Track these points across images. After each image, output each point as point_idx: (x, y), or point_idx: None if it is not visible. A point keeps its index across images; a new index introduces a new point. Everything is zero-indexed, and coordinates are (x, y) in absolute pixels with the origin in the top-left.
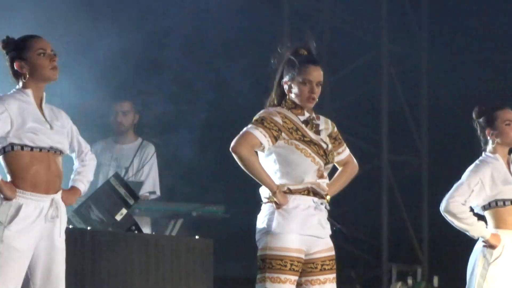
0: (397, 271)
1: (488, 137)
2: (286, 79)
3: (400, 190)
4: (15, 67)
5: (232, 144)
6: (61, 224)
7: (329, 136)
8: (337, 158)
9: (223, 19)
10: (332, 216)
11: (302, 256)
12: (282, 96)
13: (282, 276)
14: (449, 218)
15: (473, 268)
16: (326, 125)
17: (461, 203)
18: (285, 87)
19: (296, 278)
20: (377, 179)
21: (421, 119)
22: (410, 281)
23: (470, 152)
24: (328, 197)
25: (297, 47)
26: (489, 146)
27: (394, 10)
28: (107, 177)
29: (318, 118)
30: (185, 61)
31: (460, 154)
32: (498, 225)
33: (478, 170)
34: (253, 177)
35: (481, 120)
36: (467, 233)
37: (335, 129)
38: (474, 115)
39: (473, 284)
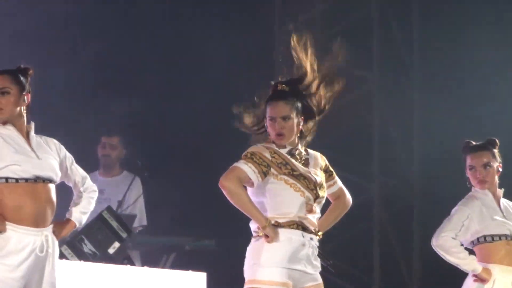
0: None
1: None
2: (265, 119)
3: (391, 221)
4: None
5: (221, 178)
6: (53, 258)
7: (320, 169)
8: (329, 191)
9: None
10: (323, 251)
11: None
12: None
13: None
14: (441, 252)
15: None
16: (315, 159)
17: (452, 237)
18: (265, 125)
19: None
20: (369, 211)
21: (412, 150)
22: None
23: (461, 186)
24: (320, 233)
25: (277, 83)
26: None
27: (386, 46)
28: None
29: (307, 152)
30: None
31: (452, 188)
32: (487, 260)
33: (467, 205)
34: (242, 211)
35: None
36: (459, 267)
37: (326, 162)
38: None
39: None
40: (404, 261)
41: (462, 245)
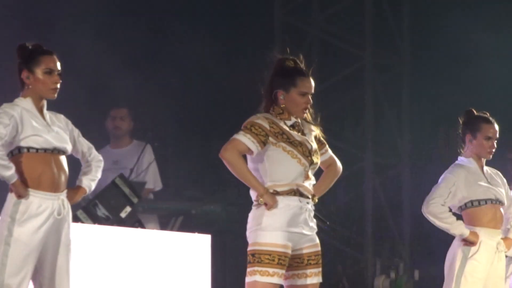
0: (381, 265)
1: (467, 141)
2: (280, 89)
3: (383, 190)
4: (21, 76)
5: (221, 150)
6: (69, 221)
7: (314, 138)
8: (321, 159)
9: (214, 30)
10: (320, 214)
11: (289, 251)
12: (270, 104)
13: (271, 270)
14: (430, 218)
15: (451, 263)
16: (309, 129)
17: (441, 204)
18: (280, 97)
19: (283, 272)
20: (362, 180)
21: (403, 124)
22: (392, 275)
23: (449, 154)
24: (315, 199)
25: (285, 58)
26: (465, 150)
27: (378, 24)
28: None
29: (301, 122)
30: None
31: (439, 157)
32: (474, 224)
33: (453, 173)
34: (241, 180)
35: (466, 123)
36: (448, 231)
37: (318, 131)
38: (463, 116)
39: (452, 278)
40: (395, 224)
41: (450, 210)
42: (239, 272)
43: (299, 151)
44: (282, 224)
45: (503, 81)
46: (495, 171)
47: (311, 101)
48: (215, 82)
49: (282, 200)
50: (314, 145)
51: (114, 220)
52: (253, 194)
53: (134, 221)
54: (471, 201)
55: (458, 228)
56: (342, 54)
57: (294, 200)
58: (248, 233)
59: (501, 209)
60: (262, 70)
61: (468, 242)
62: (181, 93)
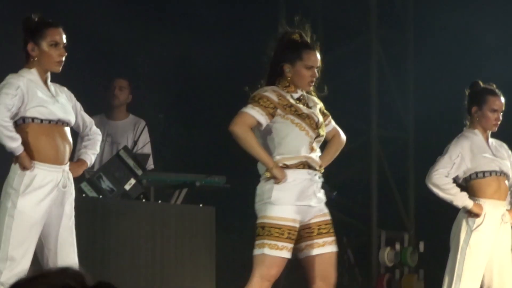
0: (386, 237)
1: (472, 113)
2: (286, 63)
3: (389, 162)
4: (27, 48)
5: (230, 124)
6: (72, 193)
7: (319, 110)
8: (326, 130)
9: (218, 6)
10: (327, 184)
11: (297, 225)
12: (276, 77)
13: (280, 244)
14: (434, 189)
15: (456, 235)
16: (314, 102)
17: (445, 175)
18: (286, 70)
19: (292, 246)
20: (367, 153)
21: (408, 98)
22: (398, 247)
23: (454, 128)
24: (321, 169)
25: (291, 32)
26: (471, 121)
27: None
28: (102, 151)
29: (307, 96)
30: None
31: (444, 129)
32: (478, 195)
33: (458, 144)
34: (251, 154)
35: (473, 95)
36: (452, 203)
37: (322, 104)
38: (469, 87)
39: (456, 250)
40: (400, 196)
41: (455, 182)
42: (243, 244)
43: (307, 124)
44: (291, 198)
45: (509, 53)
46: (500, 143)
47: (317, 74)
48: (221, 55)
49: (291, 174)
50: (321, 118)
51: (118, 192)
52: (261, 167)
53: (138, 193)
54: (476, 173)
55: (461, 200)
56: (347, 29)
57: (303, 173)
58: (257, 206)
59: (506, 182)
60: (267, 46)
61: (473, 214)
62: (186, 64)
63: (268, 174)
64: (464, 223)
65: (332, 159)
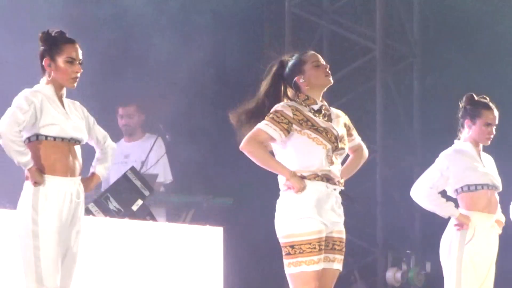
0: (392, 257)
1: (466, 126)
2: (296, 75)
3: (395, 182)
4: (43, 63)
5: (242, 142)
6: (83, 207)
7: (343, 125)
8: (349, 145)
9: (225, 22)
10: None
11: (324, 235)
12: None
13: (316, 258)
14: (418, 201)
15: (449, 251)
16: (337, 115)
17: (429, 187)
18: (301, 81)
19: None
20: (373, 172)
21: (415, 116)
22: (404, 267)
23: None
24: (342, 181)
25: (282, 59)
26: (463, 134)
27: (388, 15)
28: (120, 174)
29: (329, 109)
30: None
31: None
32: (469, 208)
33: (448, 156)
34: (267, 168)
35: (466, 108)
36: (437, 213)
37: (346, 118)
38: (463, 100)
39: (452, 266)
40: (406, 216)
41: (444, 194)
42: (251, 264)
43: (324, 137)
44: (312, 210)
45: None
46: (488, 156)
47: (327, 65)
48: (227, 74)
49: (309, 185)
50: (341, 131)
51: (125, 213)
52: (281, 179)
53: (145, 214)
54: (468, 186)
55: (447, 209)
56: (353, 45)
57: (321, 186)
58: (277, 221)
59: (496, 195)
60: (274, 64)
61: (460, 225)
62: (193, 86)
63: (287, 185)
64: (455, 238)
65: (352, 173)
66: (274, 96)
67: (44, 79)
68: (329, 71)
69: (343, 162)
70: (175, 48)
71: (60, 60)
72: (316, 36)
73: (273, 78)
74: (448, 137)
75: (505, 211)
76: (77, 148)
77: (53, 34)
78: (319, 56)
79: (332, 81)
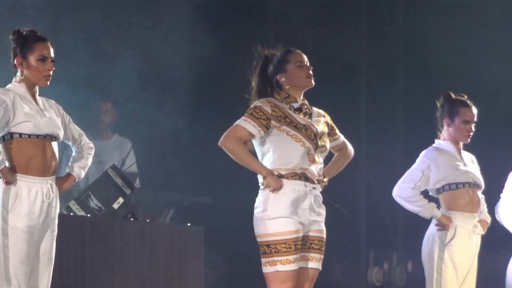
0: (374, 256)
1: (444, 125)
2: (279, 73)
3: (377, 181)
4: (15, 61)
5: (221, 138)
6: (56, 207)
7: (323, 123)
8: (333, 144)
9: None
10: (329, 196)
11: (301, 234)
12: (273, 90)
13: (291, 257)
14: (400, 202)
15: (429, 251)
16: (318, 114)
17: (411, 188)
18: (282, 80)
19: (299, 255)
20: (356, 171)
21: (396, 116)
22: (386, 266)
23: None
24: (325, 180)
25: (266, 54)
26: (443, 133)
27: (372, 14)
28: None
29: (311, 108)
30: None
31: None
32: (451, 207)
33: (428, 156)
34: (244, 165)
35: (444, 107)
36: (419, 214)
37: (328, 117)
38: (440, 99)
39: (431, 266)
40: (388, 215)
41: (426, 194)
42: (232, 263)
43: (303, 135)
44: (289, 210)
45: (498, 74)
46: (469, 154)
47: (310, 67)
48: (210, 73)
49: (287, 184)
50: (321, 129)
51: (106, 211)
52: (260, 177)
53: (127, 212)
54: (449, 184)
55: (428, 210)
56: (336, 44)
57: (299, 185)
58: (255, 220)
59: (478, 193)
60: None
61: (441, 226)
62: (175, 85)
63: (264, 183)
64: (436, 238)
65: (337, 172)
66: (266, 93)
67: (16, 78)
68: (312, 73)
69: (327, 161)
70: (150, 46)
71: (32, 59)
72: (300, 35)
73: (260, 75)
74: (432, 136)
75: (491, 212)
76: (54, 146)
77: (24, 33)
78: (304, 56)
79: (313, 83)
